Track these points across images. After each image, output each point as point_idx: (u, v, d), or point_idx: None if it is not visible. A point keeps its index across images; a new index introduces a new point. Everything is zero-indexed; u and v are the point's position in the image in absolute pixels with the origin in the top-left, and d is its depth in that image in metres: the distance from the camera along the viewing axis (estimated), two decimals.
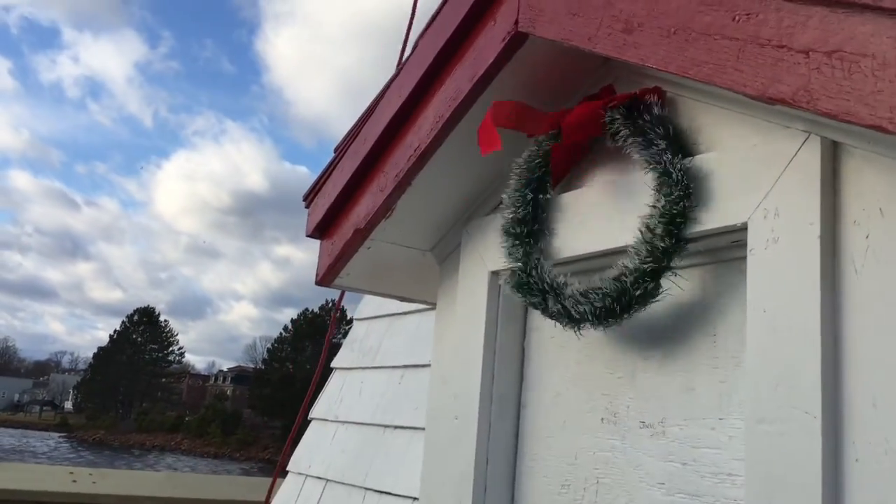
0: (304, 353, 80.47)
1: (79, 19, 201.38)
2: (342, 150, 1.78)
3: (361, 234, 1.70)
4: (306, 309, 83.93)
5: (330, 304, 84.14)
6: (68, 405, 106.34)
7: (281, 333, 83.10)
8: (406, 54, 2.39)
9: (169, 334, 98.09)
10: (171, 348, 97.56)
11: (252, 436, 75.07)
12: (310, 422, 2.62)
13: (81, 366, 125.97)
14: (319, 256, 1.83)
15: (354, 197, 1.73)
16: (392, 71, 1.73)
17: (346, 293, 2.52)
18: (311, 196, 1.86)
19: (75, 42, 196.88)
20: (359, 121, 1.78)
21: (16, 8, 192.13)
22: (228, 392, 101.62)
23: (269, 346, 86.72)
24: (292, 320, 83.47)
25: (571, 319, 1.35)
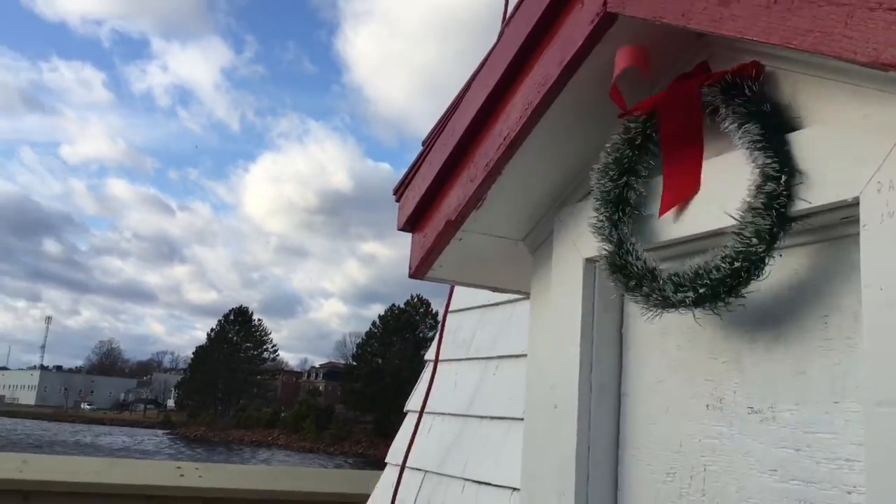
0: (391, 348, 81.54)
1: (167, 29, 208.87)
2: (430, 143, 1.79)
3: (453, 226, 1.70)
4: (393, 304, 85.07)
5: (416, 300, 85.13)
6: (170, 403, 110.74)
7: (370, 329, 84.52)
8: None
9: (262, 333, 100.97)
10: (265, 346, 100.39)
11: (345, 430, 76.55)
12: (405, 414, 2.65)
13: (182, 365, 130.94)
14: (411, 249, 1.85)
15: (444, 189, 1.74)
16: (474, 63, 1.73)
17: (455, 288, 2.54)
18: (400, 190, 1.88)
19: (164, 51, 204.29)
20: (446, 113, 1.78)
21: (107, 21, 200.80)
22: (321, 388, 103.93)
23: (357, 341, 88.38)
24: (380, 316, 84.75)
25: (671, 304, 1.32)
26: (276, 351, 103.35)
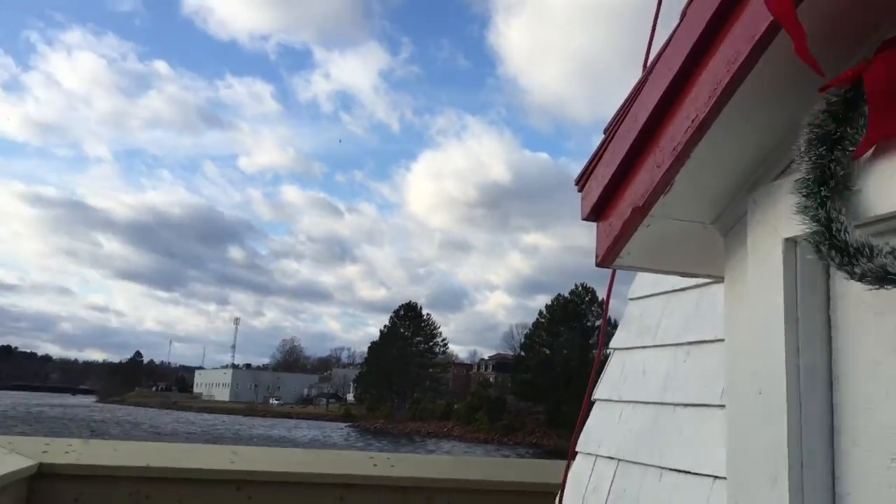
0: (559, 338, 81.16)
1: (327, 39, 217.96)
2: (612, 130, 1.78)
3: (640, 212, 1.69)
4: (559, 294, 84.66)
5: (580, 289, 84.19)
6: (350, 397, 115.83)
7: (536, 319, 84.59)
8: (654, 32, 2.34)
9: (432, 327, 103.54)
10: (434, 340, 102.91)
11: (517, 421, 77.09)
12: (593, 403, 2.65)
13: (358, 360, 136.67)
14: (597, 239, 1.85)
15: (629, 176, 1.73)
16: (628, 45, 1.70)
17: (637, 275, 2.51)
18: (583, 180, 1.88)
19: (326, 60, 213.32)
20: (627, 100, 1.77)
21: (272, 36, 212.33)
22: (491, 379, 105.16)
23: (525, 332, 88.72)
24: (546, 306, 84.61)
25: (890, 281, 1.25)
26: (445, 344, 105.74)
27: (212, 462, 3.20)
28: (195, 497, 3.13)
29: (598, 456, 2.39)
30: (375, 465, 3.42)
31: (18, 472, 2.69)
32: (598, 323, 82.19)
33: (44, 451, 2.99)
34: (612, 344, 2.67)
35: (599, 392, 2.58)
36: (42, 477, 2.85)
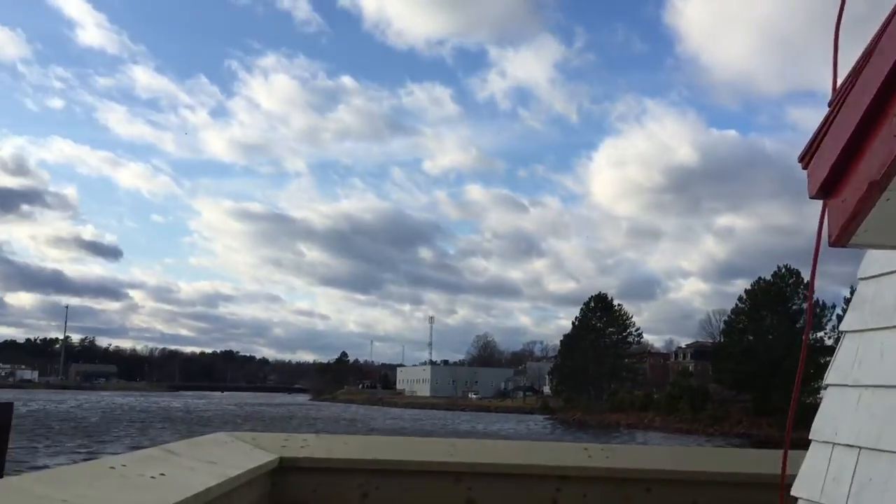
0: (762, 323, 76.77)
1: (500, 37, 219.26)
2: (838, 103, 1.69)
3: (877, 187, 1.59)
4: (759, 278, 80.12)
5: (784, 270, 79.00)
6: (546, 389, 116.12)
7: (736, 304, 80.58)
8: None
9: (624, 317, 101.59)
10: (628, 330, 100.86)
11: (722, 410, 73.83)
12: (818, 389, 2.51)
13: (551, 353, 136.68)
14: (828, 217, 1.76)
15: (861, 149, 1.63)
16: (818, 8, 1.59)
17: (866, 252, 2.36)
18: (807, 157, 1.80)
19: (500, 58, 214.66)
20: (853, 71, 1.67)
21: (447, 40, 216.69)
22: (690, 368, 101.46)
23: (724, 318, 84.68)
24: (746, 290, 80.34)
25: None
26: (640, 334, 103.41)
27: (433, 454, 3.35)
28: (419, 488, 3.29)
29: (835, 444, 2.27)
30: (590, 456, 3.43)
31: (263, 466, 2.96)
32: (804, 306, 76.94)
33: (282, 446, 3.25)
34: (843, 327, 2.51)
35: (831, 377, 2.44)
36: (283, 470, 3.11)
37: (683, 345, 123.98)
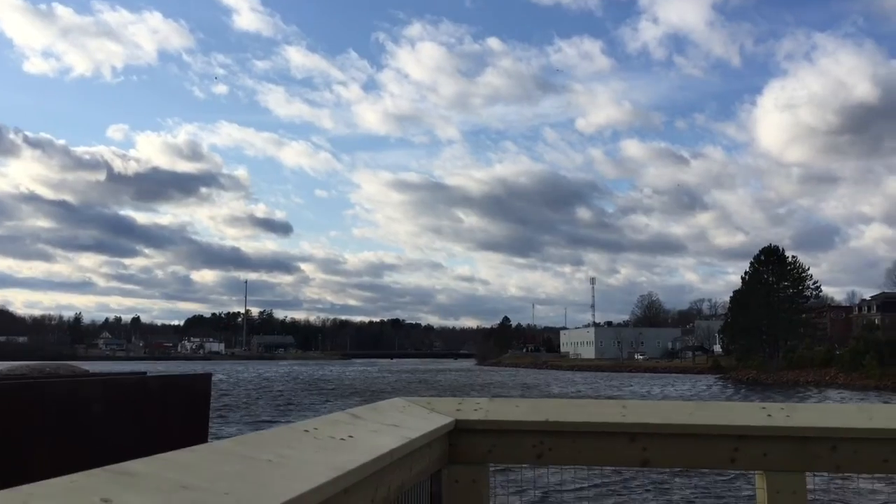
0: None
1: None
2: None
3: None
4: None
5: None
6: (716, 348, 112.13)
7: None
8: None
9: (799, 269, 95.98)
10: (804, 283, 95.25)
11: None
12: None
13: (720, 310, 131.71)
14: None
15: None
16: None
17: None
18: None
19: (652, 3, 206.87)
20: None
21: None
22: (876, 321, 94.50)
23: None
24: None
25: None
26: (818, 287, 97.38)
27: (605, 415, 3.38)
28: (592, 449, 3.32)
29: None
30: (769, 415, 3.33)
31: (441, 429, 3.08)
32: None
33: (457, 409, 3.39)
34: None
35: None
36: (459, 432, 3.24)
37: (868, 296, 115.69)
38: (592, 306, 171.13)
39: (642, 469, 3.38)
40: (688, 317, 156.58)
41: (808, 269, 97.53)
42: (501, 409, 3.51)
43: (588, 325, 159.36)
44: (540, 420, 3.35)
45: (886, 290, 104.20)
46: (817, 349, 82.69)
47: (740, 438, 3.23)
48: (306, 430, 2.28)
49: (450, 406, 3.52)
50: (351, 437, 2.38)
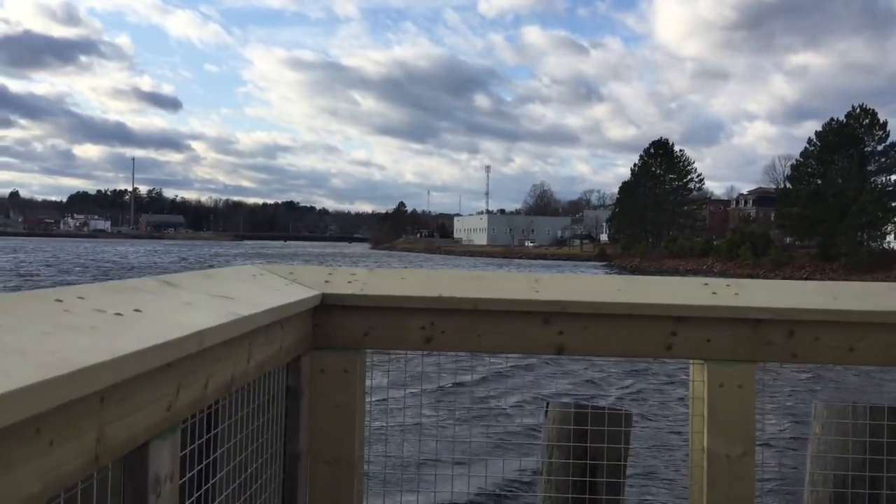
0: (832, 167, 73.69)
1: None
2: None
3: None
4: (832, 119, 76.19)
5: (858, 110, 74.71)
6: (603, 237, 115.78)
7: (805, 148, 77.21)
8: None
9: (685, 163, 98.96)
10: (689, 177, 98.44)
11: (784, 256, 72.55)
12: None
13: (608, 201, 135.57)
14: None
15: None
16: None
17: None
18: None
19: None
20: None
21: None
22: (751, 215, 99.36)
23: (791, 163, 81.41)
24: (817, 132, 76.68)
25: None
26: (701, 180, 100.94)
27: (513, 291, 2.59)
28: (497, 332, 2.56)
29: None
30: (714, 292, 2.67)
31: (299, 304, 2.24)
32: (879, 148, 73.39)
33: (326, 281, 2.53)
34: None
35: None
36: (326, 309, 2.40)
37: (745, 191, 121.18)
38: (486, 194, 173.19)
39: (558, 357, 2.68)
40: (577, 206, 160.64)
41: (694, 163, 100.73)
42: (383, 281, 2.73)
43: (481, 213, 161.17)
44: (431, 296, 2.59)
45: (763, 186, 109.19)
46: (697, 240, 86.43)
47: (678, 321, 2.58)
48: (59, 300, 1.45)
49: (317, 276, 2.71)
50: (137, 311, 1.56)
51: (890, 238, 70.71)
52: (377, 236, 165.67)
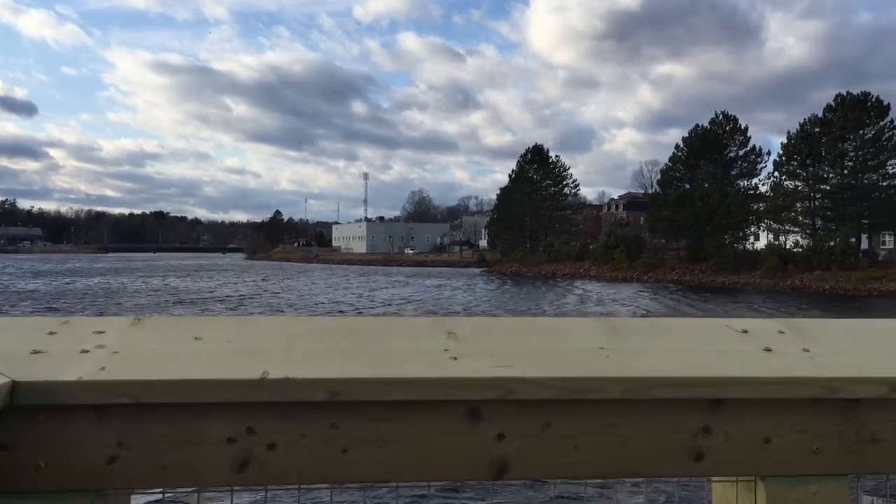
0: (698, 171, 76.52)
1: None
2: None
3: None
4: (697, 125, 79.14)
5: (721, 117, 78.02)
6: (482, 243, 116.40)
7: (673, 153, 79.89)
8: None
9: (561, 169, 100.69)
10: (564, 182, 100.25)
11: (656, 258, 74.65)
12: None
13: (487, 207, 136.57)
14: None
15: None
16: None
17: None
18: None
19: None
20: None
21: None
22: (623, 218, 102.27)
23: (659, 168, 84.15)
24: (683, 138, 79.51)
25: None
26: (576, 186, 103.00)
27: (415, 360, 1.23)
28: (381, 441, 1.17)
29: None
30: (768, 348, 1.53)
31: None
32: (741, 153, 76.82)
33: (33, 353, 1.08)
34: None
35: None
36: (20, 415, 0.94)
37: (616, 196, 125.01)
38: (365, 201, 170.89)
39: (498, 483, 1.42)
40: (456, 213, 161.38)
41: (569, 168, 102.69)
42: (152, 346, 1.37)
43: (360, 220, 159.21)
44: (248, 378, 1.30)
45: (632, 191, 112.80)
46: (573, 244, 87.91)
47: (714, 408, 1.38)
48: None
49: (16, 342, 1.35)
50: None
51: (752, 239, 74.06)
52: (253, 246, 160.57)
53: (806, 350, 1.47)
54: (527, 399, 1.29)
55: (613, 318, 1.75)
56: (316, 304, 42.14)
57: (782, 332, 1.56)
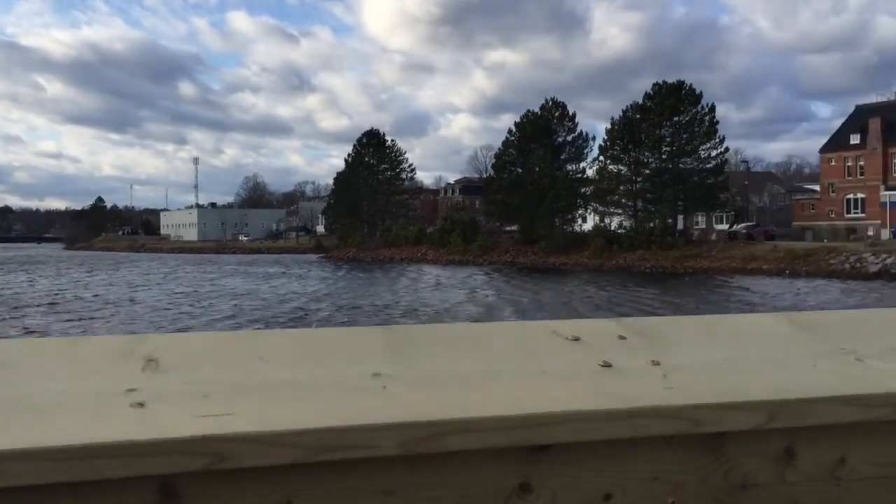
0: (530, 155, 78.80)
1: None
2: None
3: None
4: (528, 111, 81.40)
5: (550, 103, 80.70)
6: (320, 229, 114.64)
7: (506, 138, 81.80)
8: None
9: (397, 154, 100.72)
10: (401, 167, 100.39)
11: (491, 241, 76.31)
12: None
13: (323, 192, 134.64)
14: None
15: None
16: None
17: None
18: None
19: None
20: None
21: None
22: (459, 202, 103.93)
23: (492, 153, 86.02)
24: (516, 123, 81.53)
25: None
26: (413, 170, 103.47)
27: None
28: None
29: None
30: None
31: None
32: (569, 138, 79.82)
33: None
34: None
35: None
36: None
37: (452, 181, 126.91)
38: (196, 187, 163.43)
39: None
40: (292, 198, 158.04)
41: (406, 153, 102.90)
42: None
43: (191, 207, 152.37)
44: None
45: (467, 176, 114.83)
46: (410, 229, 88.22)
47: (535, 457, 0.89)
48: None
49: None
50: None
51: (580, 221, 77.22)
52: (72, 235, 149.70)
53: (655, 363, 1.04)
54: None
55: (395, 326, 1.23)
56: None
57: (623, 338, 1.12)
